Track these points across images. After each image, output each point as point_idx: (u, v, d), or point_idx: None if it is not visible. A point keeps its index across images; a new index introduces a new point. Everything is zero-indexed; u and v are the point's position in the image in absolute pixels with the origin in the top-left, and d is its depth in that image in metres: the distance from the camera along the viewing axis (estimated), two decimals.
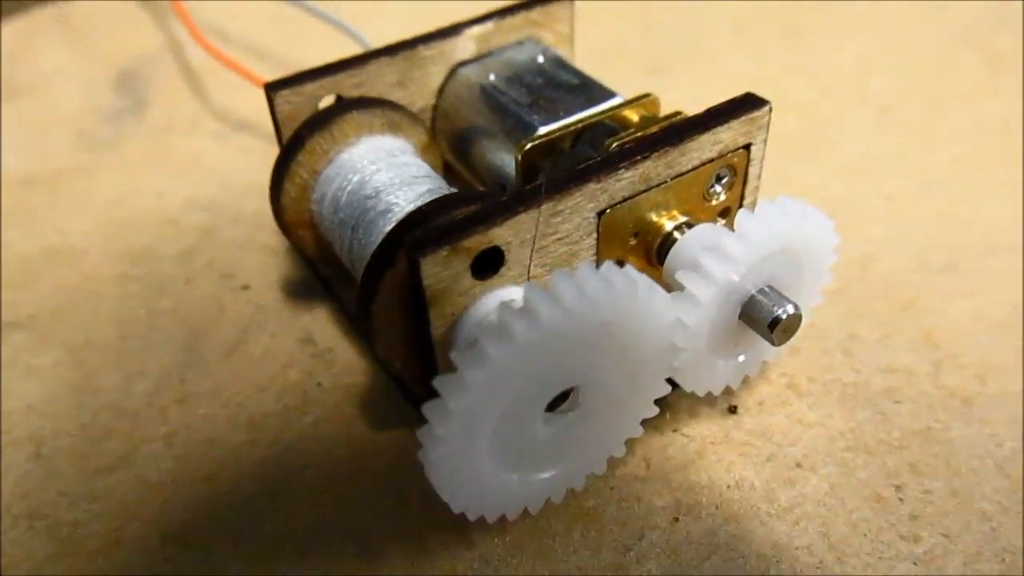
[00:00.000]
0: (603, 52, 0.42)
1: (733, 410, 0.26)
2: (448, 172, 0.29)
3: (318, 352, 0.28)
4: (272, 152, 0.37)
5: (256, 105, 0.39)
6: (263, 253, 0.32)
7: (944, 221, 0.32)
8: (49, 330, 0.30)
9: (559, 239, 0.22)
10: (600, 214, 0.22)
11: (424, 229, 0.21)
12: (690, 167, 0.23)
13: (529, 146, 0.25)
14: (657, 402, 0.23)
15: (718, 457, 0.25)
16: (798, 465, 0.25)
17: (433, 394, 0.19)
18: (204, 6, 0.43)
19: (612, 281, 0.19)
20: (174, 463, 0.25)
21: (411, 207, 0.23)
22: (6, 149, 0.39)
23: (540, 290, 0.19)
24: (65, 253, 0.33)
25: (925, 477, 0.24)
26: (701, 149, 0.23)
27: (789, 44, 0.43)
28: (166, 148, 0.38)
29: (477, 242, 0.20)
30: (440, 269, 0.20)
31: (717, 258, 0.21)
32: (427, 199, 0.23)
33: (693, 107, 0.26)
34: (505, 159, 0.27)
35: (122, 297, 0.31)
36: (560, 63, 0.29)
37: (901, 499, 0.24)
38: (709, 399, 0.26)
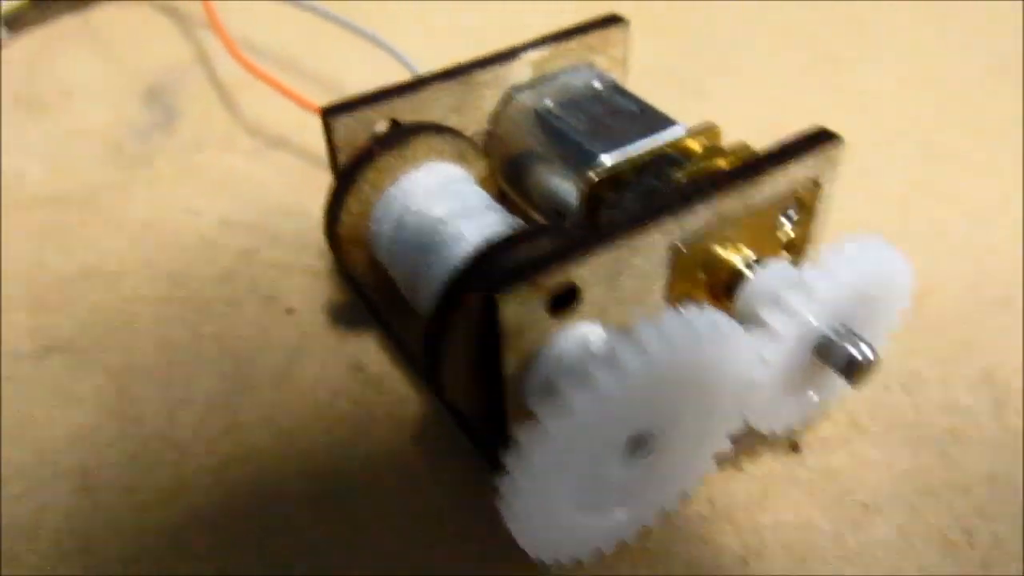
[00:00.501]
0: (640, 73, 0.41)
1: (796, 448, 0.25)
2: (501, 198, 0.29)
3: (368, 380, 0.28)
4: (309, 170, 0.37)
5: (290, 121, 0.39)
6: (306, 276, 0.32)
7: (996, 255, 0.32)
8: (90, 354, 0.29)
9: (632, 275, 0.21)
10: (673, 249, 0.22)
11: (500, 264, 0.21)
12: (762, 202, 0.23)
13: (597, 180, 0.24)
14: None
15: (783, 496, 0.24)
16: (865, 506, 0.24)
17: (506, 437, 0.19)
18: (230, 17, 0.43)
19: (696, 326, 0.19)
20: (225, 497, 0.25)
21: (481, 237, 0.23)
22: (34, 165, 0.38)
23: (627, 338, 0.18)
24: (102, 274, 0.32)
25: (994, 522, 0.24)
26: (775, 184, 0.23)
27: (829, 71, 0.43)
28: (199, 165, 0.38)
29: (556, 280, 0.20)
30: (518, 307, 0.20)
31: (802, 293, 0.21)
32: (496, 229, 0.23)
33: (736, 136, 0.25)
34: (562, 186, 0.26)
35: (163, 320, 0.30)
36: (617, 89, 0.28)
37: (971, 544, 0.23)
38: (772, 438, 0.25)
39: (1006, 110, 0.40)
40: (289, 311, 0.30)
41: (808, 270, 0.21)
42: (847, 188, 0.35)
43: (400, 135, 0.25)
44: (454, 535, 0.24)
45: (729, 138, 0.26)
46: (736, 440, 0.23)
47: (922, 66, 0.43)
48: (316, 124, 0.27)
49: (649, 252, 0.21)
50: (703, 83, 0.42)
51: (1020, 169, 0.36)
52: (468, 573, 0.23)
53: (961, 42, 0.44)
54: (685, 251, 0.22)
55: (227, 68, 0.43)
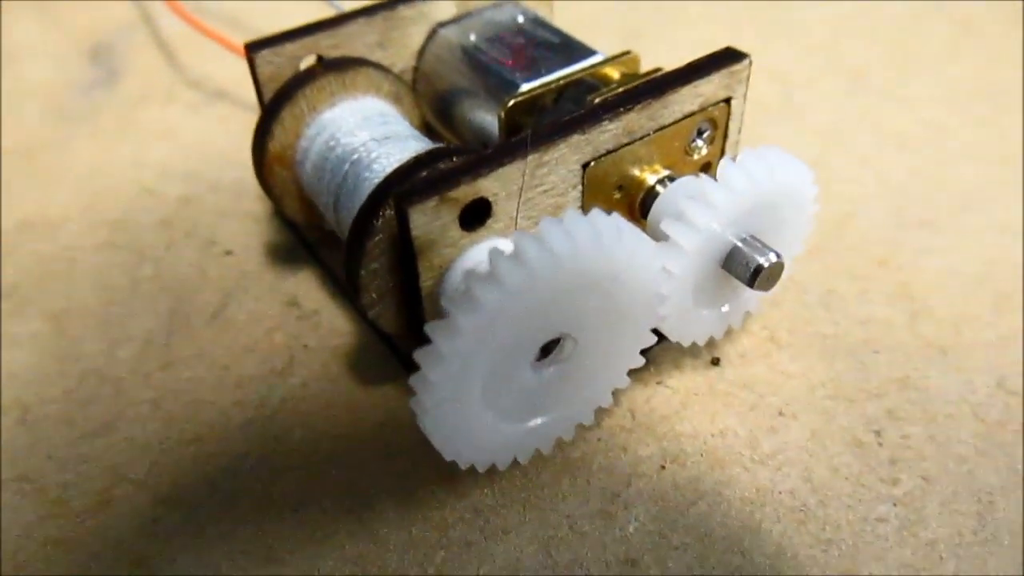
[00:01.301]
0: (578, 21, 0.42)
1: (716, 362, 0.26)
2: (429, 134, 0.29)
3: (303, 315, 0.28)
4: (250, 121, 0.37)
5: (231, 74, 0.39)
6: (245, 220, 0.32)
7: (917, 181, 0.33)
8: (30, 299, 0.29)
9: (545, 191, 0.22)
10: (585, 166, 0.22)
11: (412, 179, 0.21)
12: (672, 120, 0.23)
13: (512, 103, 0.25)
14: (642, 354, 0.23)
15: (702, 407, 0.25)
16: (780, 413, 0.25)
17: (423, 344, 0.20)
18: None
19: (600, 227, 0.20)
20: (161, 426, 0.25)
21: (399, 162, 0.23)
22: None
23: (531, 236, 0.19)
24: (42, 224, 0.33)
25: (903, 423, 0.25)
26: (683, 102, 0.23)
27: (763, 11, 0.44)
28: (141, 119, 0.38)
29: (464, 193, 0.21)
30: (429, 220, 0.20)
31: (701, 207, 0.22)
32: (420, 153, 0.24)
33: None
34: (488, 119, 0.27)
35: (102, 266, 0.31)
36: (540, 22, 0.29)
37: (880, 444, 0.24)
38: (692, 351, 0.26)
39: (935, 46, 0.40)
40: (227, 253, 0.31)
41: (712, 179, 0.22)
42: (777, 121, 0.36)
43: (345, 63, 0.26)
44: (383, 453, 0.24)
45: None
46: (656, 357, 0.24)
47: (856, 8, 0.43)
48: None
49: (560, 168, 0.22)
50: (640, 30, 0.42)
51: (946, 101, 0.37)
52: (396, 488, 0.24)
53: None
54: (597, 168, 0.23)
55: (170, 26, 0.43)
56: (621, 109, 0.22)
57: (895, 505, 0.23)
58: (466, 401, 0.20)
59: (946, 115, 0.36)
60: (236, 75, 0.38)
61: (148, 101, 0.39)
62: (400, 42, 0.29)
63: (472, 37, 0.28)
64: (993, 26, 0.41)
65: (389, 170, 0.23)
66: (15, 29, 0.44)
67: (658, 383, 0.26)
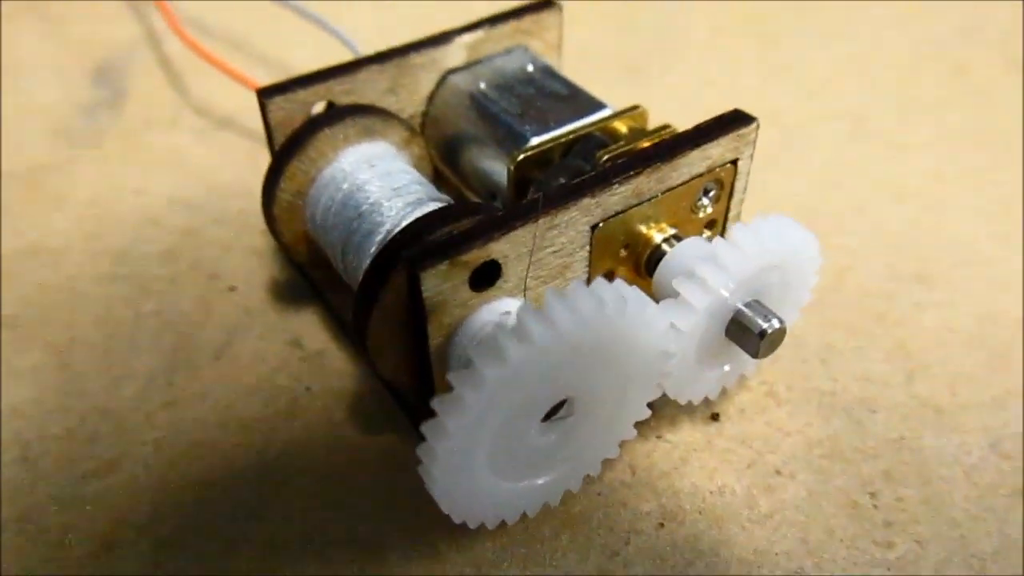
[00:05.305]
0: (581, 55, 0.42)
1: (715, 417, 0.27)
2: (437, 178, 0.30)
3: (306, 356, 0.28)
4: (255, 151, 0.37)
5: (237, 102, 0.39)
6: (249, 254, 0.32)
7: (915, 232, 0.33)
8: (31, 330, 0.29)
9: (554, 252, 0.22)
10: (593, 227, 0.23)
11: (423, 242, 0.22)
12: (680, 182, 0.24)
13: (521, 158, 0.25)
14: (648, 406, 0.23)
15: (701, 463, 0.26)
16: (777, 472, 0.25)
17: (430, 407, 0.20)
18: None
19: (603, 298, 0.20)
20: (164, 467, 0.25)
21: (409, 215, 0.24)
22: None
23: (533, 311, 0.19)
24: (45, 251, 0.33)
25: (898, 485, 0.25)
26: (691, 164, 0.24)
27: (765, 51, 0.44)
28: (145, 145, 0.38)
29: (476, 256, 0.21)
30: (439, 282, 0.21)
31: (713, 267, 0.22)
32: (425, 207, 0.24)
33: (672, 114, 0.26)
34: (495, 167, 0.27)
35: (105, 297, 0.31)
36: (549, 72, 0.29)
37: (876, 506, 0.25)
38: (692, 407, 0.27)
39: (935, 93, 0.41)
40: (231, 289, 0.31)
41: (719, 245, 0.22)
42: (775, 166, 0.36)
43: (333, 116, 0.26)
44: (385, 503, 0.25)
45: (667, 119, 0.27)
46: (657, 411, 0.24)
47: (857, 50, 0.44)
48: None
49: (569, 229, 0.22)
50: (642, 66, 0.43)
51: (943, 149, 0.37)
52: (397, 538, 0.24)
53: (895, 27, 0.45)
54: (605, 228, 0.23)
55: (176, 48, 0.43)
56: (631, 172, 0.23)
57: (889, 570, 0.23)
58: (474, 467, 0.20)
59: (943, 164, 0.37)
60: (242, 102, 0.38)
61: (153, 125, 0.39)
62: (411, 88, 0.29)
63: (481, 85, 0.29)
64: (992, 73, 0.42)
65: (398, 226, 0.23)
66: (18, 47, 0.44)
67: (658, 437, 0.26)
